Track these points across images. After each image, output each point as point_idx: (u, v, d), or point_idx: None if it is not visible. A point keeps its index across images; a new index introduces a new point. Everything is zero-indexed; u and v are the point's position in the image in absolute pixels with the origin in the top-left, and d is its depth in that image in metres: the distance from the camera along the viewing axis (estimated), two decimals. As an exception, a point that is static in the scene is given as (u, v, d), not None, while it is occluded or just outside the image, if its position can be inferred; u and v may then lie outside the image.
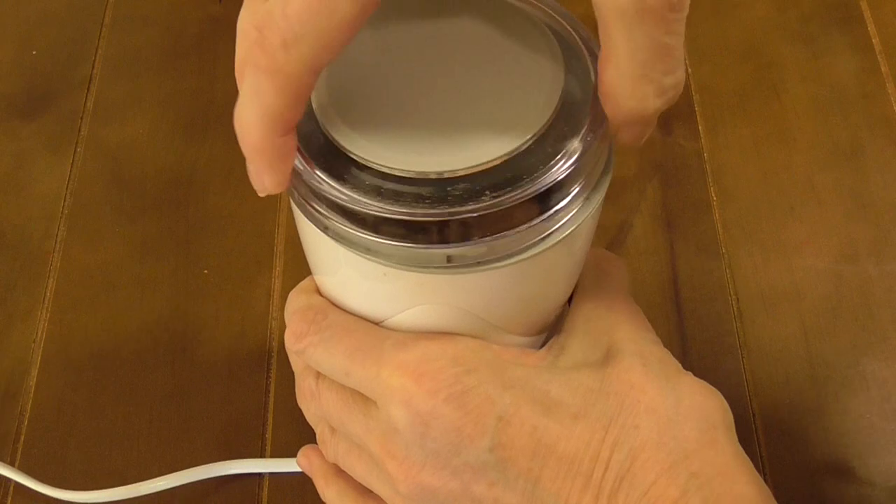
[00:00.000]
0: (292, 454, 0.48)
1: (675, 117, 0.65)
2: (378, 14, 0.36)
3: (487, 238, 0.33)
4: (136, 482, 0.51)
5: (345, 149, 0.33)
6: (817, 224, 0.60)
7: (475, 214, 0.32)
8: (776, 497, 0.36)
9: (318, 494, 0.45)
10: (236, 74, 0.33)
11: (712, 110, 0.66)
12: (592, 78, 0.35)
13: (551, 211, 0.33)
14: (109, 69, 0.69)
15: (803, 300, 0.57)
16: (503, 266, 0.34)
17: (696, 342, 0.56)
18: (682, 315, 0.57)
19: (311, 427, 0.43)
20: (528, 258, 0.34)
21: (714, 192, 0.62)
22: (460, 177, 0.32)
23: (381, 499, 0.40)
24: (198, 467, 0.51)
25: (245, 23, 0.33)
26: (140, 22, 0.71)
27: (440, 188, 0.32)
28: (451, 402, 0.35)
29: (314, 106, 0.34)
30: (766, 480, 0.47)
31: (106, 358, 0.56)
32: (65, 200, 0.62)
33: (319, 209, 0.34)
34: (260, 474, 0.52)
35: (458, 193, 0.32)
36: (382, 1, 0.36)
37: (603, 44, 0.32)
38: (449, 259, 0.34)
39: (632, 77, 0.32)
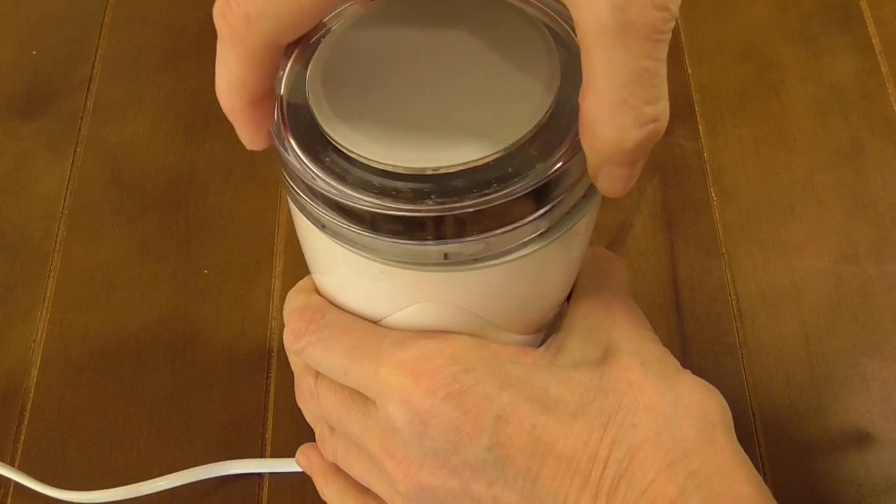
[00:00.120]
0: (292, 454, 0.48)
1: (675, 117, 0.65)
2: (376, 12, 0.36)
3: (484, 235, 0.33)
4: (136, 482, 0.51)
5: (341, 146, 0.33)
6: (817, 224, 0.60)
7: (471, 210, 0.32)
8: (776, 497, 0.36)
9: (317, 494, 0.45)
10: None
11: (712, 110, 0.66)
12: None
13: (547, 207, 0.33)
14: (109, 69, 0.69)
15: (803, 300, 0.57)
16: (500, 264, 0.34)
17: (696, 342, 0.56)
18: (682, 315, 0.57)
19: (310, 427, 0.43)
20: (526, 256, 0.34)
21: (714, 192, 0.62)
22: (456, 173, 0.32)
23: (381, 497, 0.40)
24: (198, 467, 0.51)
25: None
26: (140, 22, 0.71)
27: (436, 184, 0.32)
28: (449, 401, 0.35)
29: (310, 103, 0.34)
30: (766, 480, 0.47)
31: (106, 358, 0.56)
32: (65, 200, 0.62)
33: (316, 207, 0.34)
34: (260, 474, 0.52)
35: (453, 189, 0.32)
36: (381, 1, 0.36)
37: (584, 70, 0.31)
38: (446, 256, 0.34)
39: (610, 103, 0.31)
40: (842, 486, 0.51)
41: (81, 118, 0.66)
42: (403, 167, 0.32)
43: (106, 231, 0.61)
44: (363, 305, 0.37)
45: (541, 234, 0.34)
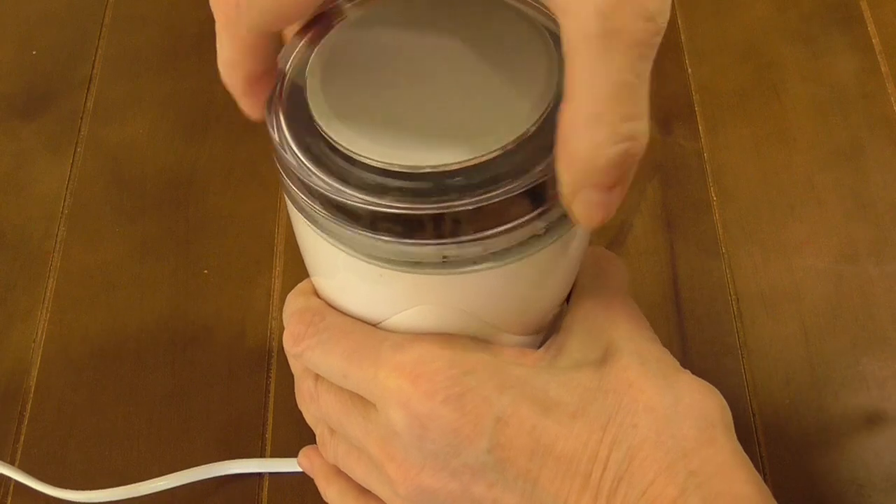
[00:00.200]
0: (292, 454, 0.48)
1: (675, 117, 0.65)
2: (377, 11, 0.36)
3: (482, 234, 0.33)
4: (136, 482, 0.51)
5: (339, 144, 0.33)
6: (817, 224, 0.60)
7: (469, 208, 0.32)
8: (776, 497, 0.36)
9: (317, 494, 0.45)
10: None
11: (712, 110, 0.66)
12: None
13: (545, 207, 0.33)
14: (109, 69, 0.69)
15: (803, 300, 0.57)
16: (499, 266, 0.34)
17: (696, 342, 0.56)
18: (682, 315, 0.57)
19: (310, 427, 0.43)
20: (525, 258, 0.34)
21: (714, 192, 0.62)
22: (455, 171, 0.32)
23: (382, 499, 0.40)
24: (198, 467, 0.51)
25: None
26: (140, 22, 0.71)
27: (435, 182, 0.32)
28: (449, 404, 0.35)
29: (309, 102, 0.34)
30: (766, 480, 0.47)
31: (106, 358, 0.56)
32: (65, 200, 0.62)
33: (316, 209, 0.34)
34: (260, 474, 0.52)
35: (452, 187, 0.32)
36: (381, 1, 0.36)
37: (565, 82, 0.30)
38: (445, 259, 0.33)
39: (586, 115, 0.30)
40: (842, 486, 0.51)
41: (81, 118, 0.66)
42: (402, 165, 0.32)
43: (106, 231, 0.61)
44: (362, 308, 0.37)
45: (540, 235, 0.34)
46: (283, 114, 0.35)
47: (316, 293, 0.40)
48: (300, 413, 0.43)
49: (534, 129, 0.33)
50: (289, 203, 0.36)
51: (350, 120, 0.33)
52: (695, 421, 0.35)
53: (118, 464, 0.52)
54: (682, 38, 0.69)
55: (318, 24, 0.36)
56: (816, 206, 0.61)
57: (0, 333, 0.57)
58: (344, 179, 0.33)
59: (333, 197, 0.33)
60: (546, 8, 0.35)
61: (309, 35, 0.36)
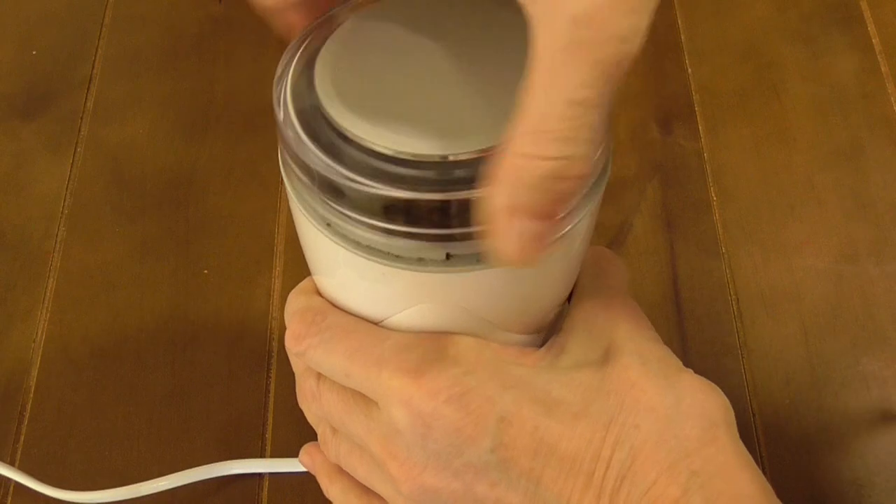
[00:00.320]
0: (292, 454, 0.48)
1: (675, 117, 0.66)
2: (387, 6, 0.36)
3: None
4: (136, 482, 0.51)
5: (345, 129, 0.33)
6: (817, 224, 0.60)
7: (475, 198, 0.32)
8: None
9: (318, 494, 0.45)
10: None
11: (712, 110, 0.66)
12: None
13: None
14: (109, 69, 0.69)
15: (803, 300, 0.57)
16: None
17: (696, 342, 0.56)
18: (682, 315, 0.57)
19: (311, 427, 0.43)
20: None
21: (714, 192, 0.62)
22: (461, 161, 0.32)
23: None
24: (198, 468, 0.51)
25: None
26: (140, 22, 0.71)
27: (440, 171, 0.32)
28: (451, 403, 0.35)
29: (317, 88, 0.34)
30: (766, 480, 0.47)
31: (106, 358, 0.56)
32: (65, 200, 0.62)
33: (319, 197, 0.34)
34: (260, 474, 0.52)
35: (458, 178, 0.32)
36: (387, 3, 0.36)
37: (524, 88, 0.29)
38: (448, 257, 0.34)
39: (529, 126, 0.29)
40: (842, 486, 0.51)
41: (81, 118, 0.66)
42: (409, 153, 0.32)
43: (106, 231, 0.61)
44: (364, 307, 0.37)
45: None
46: (291, 96, 0.35)
47: (317, 292, 0.39)
48: (300, 413, 0.43)
49: None
50: (291, 198, 0.36)
51: (358, 107, 0.33)
52: (697, 420, 0.35)
53: (118, 464, 0.52)
54: (682, 38, 0.69)
55: (332, 14, 0.36)
56: (816, 206, 0.61)
57: (0, 333, 0.57)
58: (349, 164, 0.33)
59: (335, 179, 0.33)
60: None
61: (322, 24, 0.36)
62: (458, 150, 0.32)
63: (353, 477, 0.42)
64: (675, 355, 0.38)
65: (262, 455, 0.52)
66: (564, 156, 0.29)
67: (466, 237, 0.33)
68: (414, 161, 0.32)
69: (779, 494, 0.36)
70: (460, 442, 0.35)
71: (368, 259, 0.34)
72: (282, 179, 0.36)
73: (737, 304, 0.57)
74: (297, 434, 0.51)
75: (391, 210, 0.33)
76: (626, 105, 0.66)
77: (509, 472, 0.35)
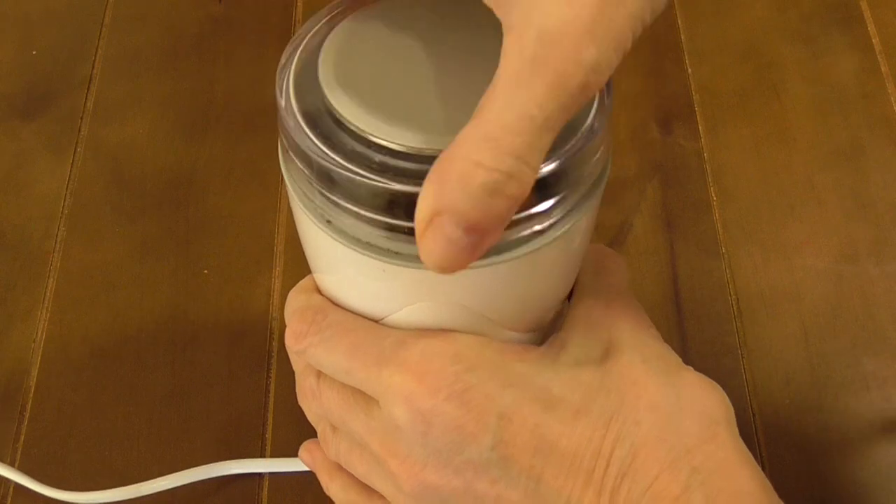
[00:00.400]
0: (292, 454, 0.48)
1: (675, 117, 0.66)
2: (388, 6, 0.36)
3: None
4: (136, 482, 0.51)
5: (347, 121, 0.33)
6: (817, 224, 0.60)
7: None
8: (776, 496, 0.36)
9: (318, 494, 0.45)
10: None
11: (712, 110, 0.66)
12: None
13: (550, 204, 0.33)
14: (109, 69, 0.69)
15: (803, 300, 0.57)
16: (502, 262, 0.34)
17: (696, 342, 0.56)
18: (682, 315, 0.57)
19: (311, 426, 0.43)
20: (527, 254, 0.34)
21: (714, 192, 0.62)
22: None
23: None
24: (198, 467, 0.51)
25: None
26: (140, 22, 0.71)
27: None
28: (452, 401, 0.35)
29: (321, 81, 0.34)
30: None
31: (106, 358, 0.56)
32: (65, 200, 0.62)
33: (318, 197, 0.34)
34: (260, 474, 0.52)
35: None
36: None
37: (484, 95, 0.29)
38: None
39: (480, 134, 0.28)
40: (842, 485, 0.51)
41: (81, 118, 0.66)
42: (410, 147, 0.32)
43: (106, 231, 0.61)
44: (365, 305, 0.37)
45: (543, 231, 0.34)
46: (293, 85, 0.35)
47: (317, 290, 0.40)
48: (300, 412, 0.43)
49: None
50: (291, 196, 0.36)
51: (360, 98, 0.33)
52: (697, 417, 0.35)
53: (118, 464, 0.52)
54: (682, 38, 0.69)
55: (339, 4, 0.36)
56: (816, 206, 0.61)
57: (0, 333, 0.57)
58: (348, 155, 0.33)
59: (333, 168, 0.33)
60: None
61: (329, 14, 0.36)
62: None
63: (353, 474, 0.42)
64: (675, 353, 0.38)
65: (262, 455, 0.52)
66: (510, 171, 0.28)
67: None
68: (416, 155, 0.32)
69: (778, 494, 0.36)
70: (461, 439, 0.35)
71: (368, 256, 0.34)
72: (282, 179, 0.36)
73: (737, 304, 0.57)
74: (298, 434, 0.51)
75: (392, 205, 0.33)
76: (626, 105, 0.66)
77: (509, 469, 0.35)
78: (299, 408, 0.43)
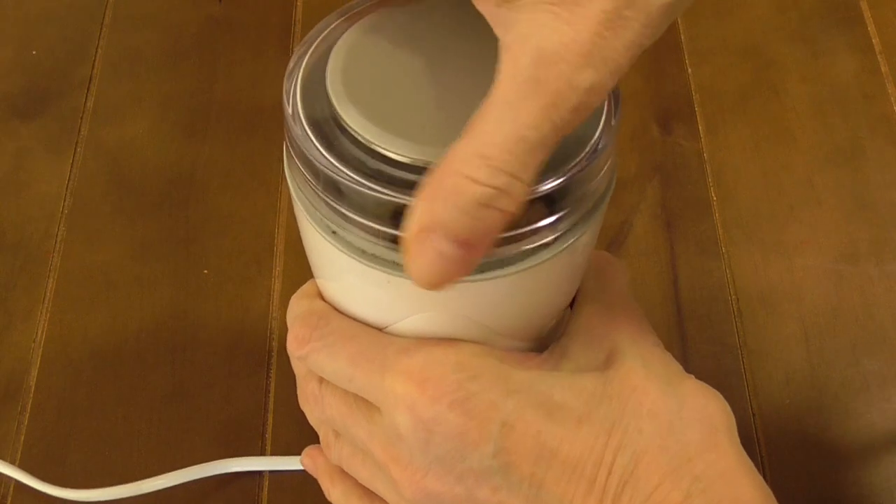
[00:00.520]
0: (293, 453, 0.48)
1: (675, 117, 0.66)
2: (393, 17, 0.36)
3: None
4: (136, 481, 0.51)
5: (354, 131, 0.33)
6: (817, 224, 0.60)
7: None
8: (776, 497, 0.36)
9: (317, 494, 0.45)
10: None
11: (712, 110, 0.66)
12: None
13: (555, 215, 0.33)
14: (109, 69, 0.69)
15: (803, 300, 0.57)
16: (506, 275, 0.34)
17: (696, 342, 0.56)
18: (682, 315, 0.57)
19: (311, 426, 0.43)
20: (531, 268, 0.34)
21: (714, 192, 0.62)
22: None
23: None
24: (198, 465, 0.51)
25: None
26: (140, 22, 0.71)
27: None
28: (454, 408, 0.35)
29: (329, 93, 0.34)
30: (765, 480, 0.47)
31: (106, 358, 0.56)
32: (65, 200, 0.62)
33: (323, 207, 0.34)
34: (260, 473, 0.52)
35: None
36: (403, 5, 0.36)
37: (477, 112, 0.29)
38: None
39: (473, 149, 0.28)
40: (842, 486, 0.51)
41: (81, 118, 0.66)
42: (419, 159, 0.32)
43: (106, 231, 0.61)
44: (368, 313, 0.37)
45: (548, 244, 0.34)
46: (301, 92, 0.34)
47: (320, 296, 0.39)
48: (300, 413, 0.43)
49: None
50: (296, 205, 0.36)
51: (367, 109, 0.33)
52: (699, 426, 0.35)
53: (118, 463, 0.52)
54: (682, 38, 0.69)
55: (349, 9, 0.36)
56: (816, 206, 0.61)
57: (0, 333, 0.57)
58: (356, 166, 0.33)
59: (339, 178, 0.32)
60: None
61: (337, 20, 0.36)
62: None
63: (355, 480, 0.42)
64: (676, 361, 0.38)
65: (261, 455, 0.52)
66: (503, 188, 0.29)
67: None
68: (423, 167, 0.32)
69: (778, 495, 0.36)
70: (463, 447, 0.35)
71: (372, 267, 0.34)
72: (282, 179, 0.36)
73: (737, 304, 0.57)
74: (298, 434, 0.51)
75: (398, 216, 0.32)
76: (626, 105, 0.66)
77: (511, 476, 0.35)
78: (299, 408, 0.43)
